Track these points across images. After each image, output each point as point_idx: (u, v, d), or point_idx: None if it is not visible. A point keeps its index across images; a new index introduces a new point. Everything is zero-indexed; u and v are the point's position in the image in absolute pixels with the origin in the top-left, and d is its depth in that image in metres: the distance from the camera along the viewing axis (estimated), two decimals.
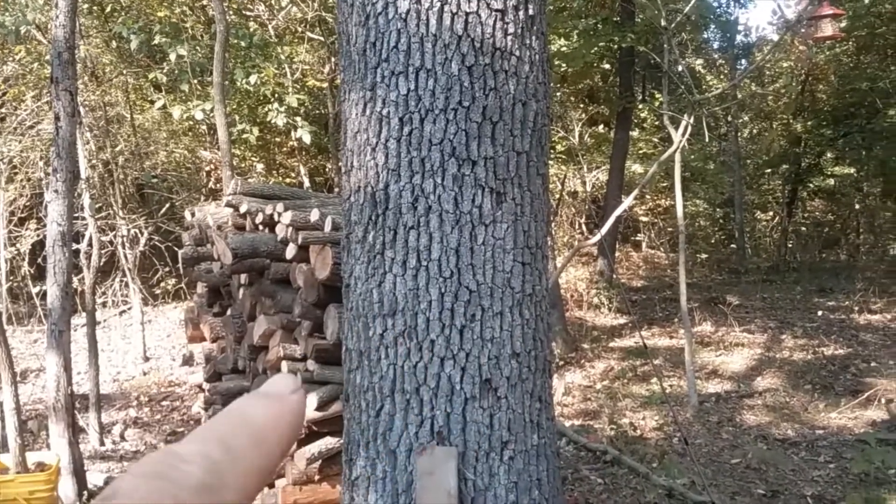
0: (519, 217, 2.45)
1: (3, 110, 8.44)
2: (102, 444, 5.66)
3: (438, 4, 2.32)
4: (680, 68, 8.17)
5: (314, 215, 3.36)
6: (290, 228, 3.38)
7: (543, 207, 2.56)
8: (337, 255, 3.12)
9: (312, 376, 3.25)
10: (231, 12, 9.23)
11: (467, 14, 2.33)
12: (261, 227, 3.72)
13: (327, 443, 3.27)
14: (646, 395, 7.26)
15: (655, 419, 6.55)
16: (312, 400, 3.19)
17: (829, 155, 17.24)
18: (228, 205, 3.92)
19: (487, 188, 2.38)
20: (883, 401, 6.75)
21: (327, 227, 3.29)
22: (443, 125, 2.35)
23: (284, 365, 3.34)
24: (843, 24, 6.64)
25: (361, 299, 2.49)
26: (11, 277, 8.80)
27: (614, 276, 12.42)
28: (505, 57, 2.39)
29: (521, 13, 2.42)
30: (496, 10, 2.36)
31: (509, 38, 2.39)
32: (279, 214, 3.46)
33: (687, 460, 5.53)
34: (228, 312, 4.07)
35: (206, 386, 4.20)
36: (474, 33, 2.34)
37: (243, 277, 3.85)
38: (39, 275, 8.80)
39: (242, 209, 3.79)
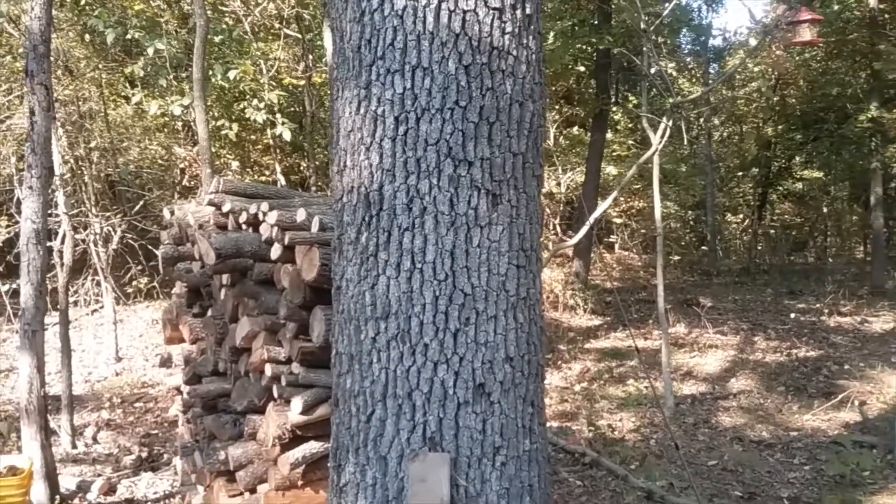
0: (514, 219, 2.42)
1: None
2: (75, 446, 5.54)
3: (436, 2, 2.28)
4: (654, 70, 8.21)
5: (300, 215, 3.30)
6: (276, 228, 3.32)
7: (538, 210, 2.53)
8: (324, 257, 3.06)
9: (297, 379, 3.19)
10: (208, 7, 9.10)
11: (465, 12, 2.30)
12: (244, 227, 3.65)
13: (312, 447, 3.21)
14: (623, 397, 7.28)
15: (633, 421, 6.57)
16: (297, 404, 3.13)
17: (798, 159, 17.51)
18: (211, 203, 3.84)
19: (483, 190, 2.35)
20: (856, 403, 6.84)
21: (314, 228, 3.23)
22: (439, 125, 2.31)
23: (268, 367, 3.28)
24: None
25: (353, 302, 2.44)
26: None
27: (613, 284, 12.48)
28: (502, 56, 2.35)
29: (518, 12, 2.39)
30: (494, 9, 2.33)
31: (507, 37, 2.36)
32: (264, 214, 3.40)
33: (665, 462, 5.55)
34: (209, 313, 4.00)
35: (184, 388, 4.11)
36: (472, 32, 2.31)
37: (225, 278, 3.78)
38: (8, 272, 8.60)
39: (225, 208, 3.72)
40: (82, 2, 7.29)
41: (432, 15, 2.29)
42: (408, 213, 2.33)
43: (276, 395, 3.26)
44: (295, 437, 3.20)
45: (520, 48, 2.40)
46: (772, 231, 19.18)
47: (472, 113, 2.32)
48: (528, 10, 2.42)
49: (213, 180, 4.08)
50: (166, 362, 4.41)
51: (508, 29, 2.36)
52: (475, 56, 2.32)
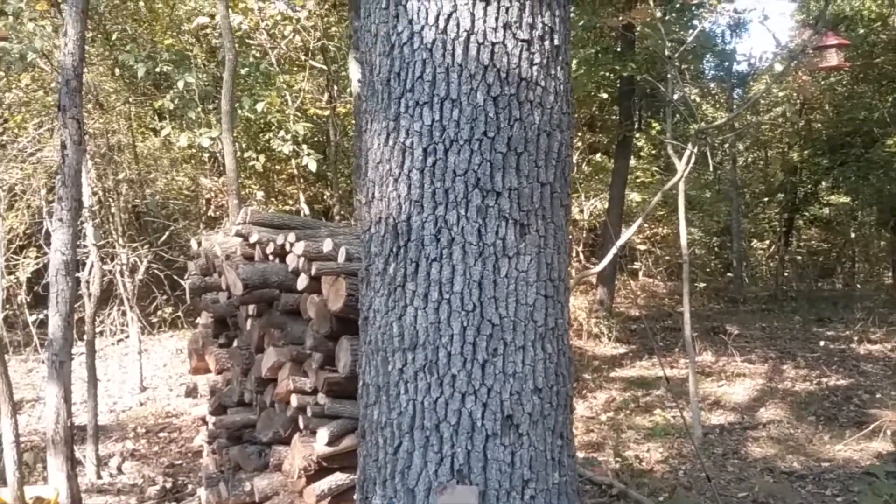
0: (542, 249, 2.41)
1: (5, 137, 8.40)
2: (100, 476, 5.55)
3: (465, 34, 2.30)
4: (677, 96, 8.20)
5: (327, 245, 3.31)
6: (303, 259, 3.33)
7: (566, 239, 2.52)
8: (351, 287, 3.07)
9: (323, 410, 3.18)
10: (235, 41, 9.24)
11: (493, 44, 2.31)
12: (271, 258, 3.67)
13: (338, 479, 3.19)
14: (650, 427, 7.18)
15: (660, 451, 6.47)
16: (323, 435, 3.12)
17: (824, 184, 17.33)
18: (238, 234, 3.87)
19: (511, 220, 2.34)
20: (888, 432, 6.69)
21: (341, 258, 3.24)
22: (467, 156, 2.31)
23: (294, 398, 3.27)
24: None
25: (381, 333, 2.44)
26: (8, 306, 8.70)
27: (640, 311, 12.39)
28: (530, 87, 2.36)
29: (546, 43, 2.39)
30: (522, 41, 2.34)
31: (535, 68, 2.36)
32: (291, 244, 3.41)
33: (694, 494, 5.45)
34: (235, 344, 4.01)
35: (210, 419, 4.11)
36: (500, 63, 2.32)
37: (251, 308, 3.79)
38: (36, 303, 8.72)
39: (253, 239, 3.74)
40: (113, 37, 7.43)
41: (461, 48, 2.30)
42: (436, 244, 2.33)
43: (301, 425, 3.25)
44: (321, 469, 3.18)
45: (548, 79, 2.40)
46: (799, 257, 18.96)
47: (501, 144, 2.33)
48: (556, 42, 2.43)
49: (240, 211, 4.11)
50: (192, 392, 4.41)
51: (537, 60, 2.37)
52: (503, 87, 2.32)
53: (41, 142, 7.77)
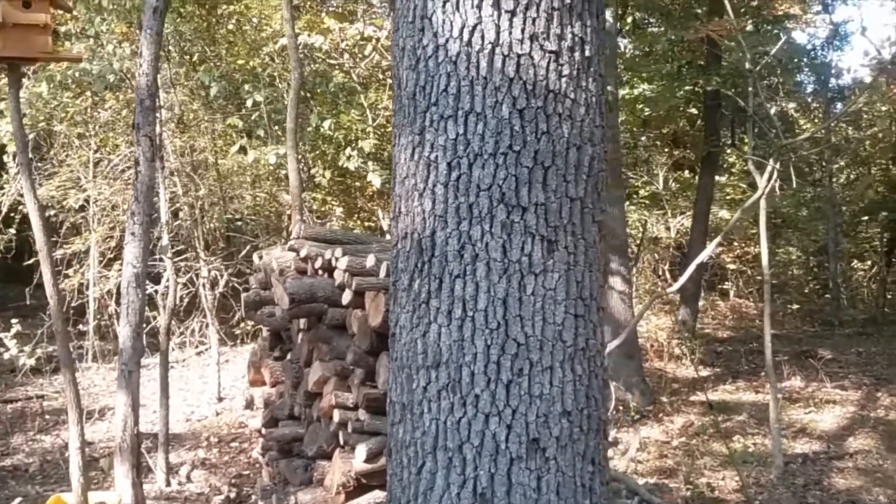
0: (572, 266, 2.32)
1: (98, 155, 8.83)
2: (168, 484, 5.70)
3: (490, 47, 2.25)
4: (772, 111, 7.88)
5: (370, 261, 3.31)
6: (347, 274, 3.33)
7: (598, 257, 2.42)
8: (389, 302, 3.04)
9: (363, 426, 3.17)
10: (318, 61, 9.47)
11: (519, 56, 2.25)
12: (320, 272, 3.70)
13: (376, 496, 3.16)
14: (726, 454, 6.86)
15: (736, 480, 6.17)
16: (361, 451, 3.10)
17: None
18: (291, 249, 3.92)
19: (538, 236, 2.27)
20: None
21: (382, 273, 3.23)
22: (492, 170, 2.26)
23: (336, 413, 3.27)
24: None
25: (406, 349, 2.40)
26: (99, 315, 9.11)
27: (728, 335, 11.98)
28: (559, 100, 2.29)
29: (576, 54, 2.32)
30: (550, 52, 2.27)
31: (563, 80, 2.29)
32: (336, 259, 3.43)
33: None
34: (288, 357, 4.05)
35: (263, 431, 4.17)
36: (526, 76, 2.26)
37: (302, 322, 3.83)
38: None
39: (303, 253, 3.78)
40: (194, 58, 7.72)
41: (486, 60, 2.26)
42: (459, 260, 2.28)
43: (342, 441, 3.25)
44: (360, 486, 3.17)
45: (578, 91, 2.33)
46: None
47: (527, 157, 2.26)
48: (587, 53, 2.35)
49: (296, 226, 4.17)
50: (250, 404, 4.49)
51: (566, 72, 2.30)
52: (530, 100, 2.26)
53: (131, 159, 8.14)
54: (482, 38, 2.26)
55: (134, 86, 7.07)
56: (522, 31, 2.26)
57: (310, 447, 3.52)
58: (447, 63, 2.30)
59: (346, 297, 3.36)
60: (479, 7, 2.26)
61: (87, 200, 8.70)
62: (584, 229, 2.35)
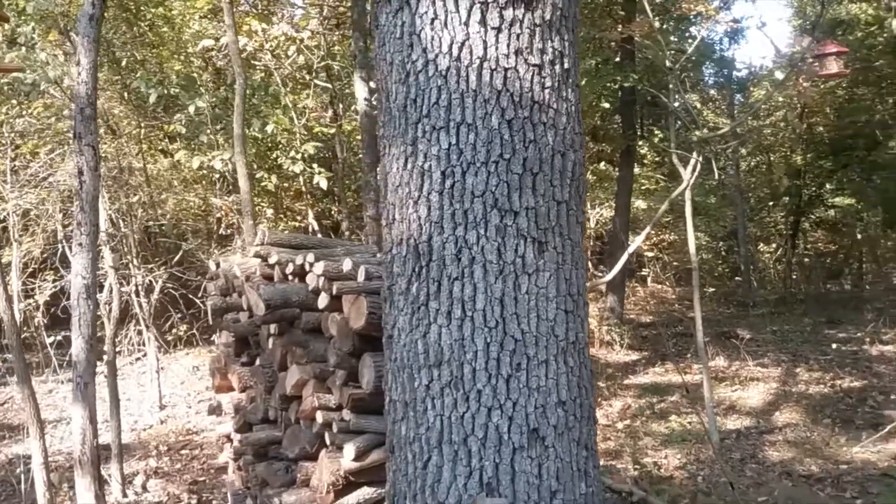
0: (561, 265, 2.48)
1: (17, 163, 8.52)
2: (125, 495, 5.63)
3: (478, 61, 2.38)
4: (677, 104, 8.26)
5: (347, 265, 3.39)
6: (323, 279, 3.41)
7: (583, 255, 2.59)
8: (371, 305, 3.14)
9: (349, 426, 3.25)
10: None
11: (506, 70, 2.39)
12: (291, 278, 3.75)
13: (365, 493, 3.26)
14: (666, 433, 7.22)
15: (678, 458, 6.51)
16: (350, 450, 3.19)
17: (829, 186, 17.38)
18: (257, 255, 3.95)
19: (530, 238, 2.42)
20: None
21: (360, 277, 3.32)
22: (484, 177, 2.39)
23: (319, 414, 3.35)
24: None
25: (406, 350, 2.51)
26: (26, 328, 8.79)
27: (652, 319, 12.44)
28: (543, 110, 2.44)
29: (557, 67, 2.48)
30: (534, 65, 2.42)
31: (547, 91, 2.45)
32: (311, 265, 3.49)
33: (715, 499, 5.49)
34: (257, 362, 4.08)
35: (235, 436, 4.19)
36: (513, 88, 2.40)
37: (273, 327, 3.87)
38: (53, 324, 8.81)
39: (272, 260, 3.83)
40: (123, 63, 7.56)
41: (475, 74, 2.39)
42: (457, 263, 2.41)
43: (328, 441, 3.33)
44: (348, 484, 3.25)
45: (560, 101, 2.49)
46: (806, 260, 18.98)
47: (516, 165, 2.41)
48: (566, 65, 2.51)
49: (255, 231, 4.20)
50: (216, 410, 4.49)
51: (548, 84, 2.45)
52: (517, 111, 2.41)
53: (52, 166, 7.89)
54: (471, 53, 2.39)
55: (61, 91, 6.90)
56: (508, 46, 2.40)
57: (290, 449, 3.58)
58: (437, 77, 2.42)
59: (323, 301, 3.43)
60: (467, 24, 2.39)
61: (6, 210, 8.40)
62: (570, 230, 2.52)
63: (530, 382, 2.42)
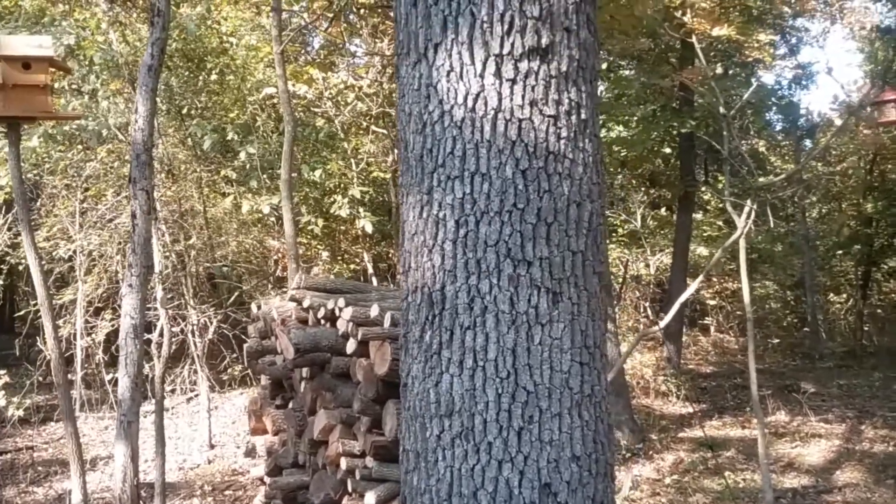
0: (576, 316, 2.45)
1: (85, 205, 8.89)
2: None
3: (493, 112, 2.40)
4: (742, 152, 8.12)
5: (374, 311, 3.41)
6: (351, 324, 3.43)
7: (600, 306, 2.55)
8: (396, 352, 3.15)
9: (371, 474, 3.24)
10: (300, 109, 9.65)
11: (521, 120, 2.40)
12: (322, 322, 3.79)
13: None
14: (718, 490, 6.96)
15: None
16: (370, 499, 3.17)
17: None
18: (292, 299, 4.01)
19: (543, 288, 2.39)
20: None
21: (386, 323, 3.33)
22: (498, 227, 2.39)
23: (343, 461, 3.35)
24: None
25: (419, 399, 2.50)
26: (86, 365, 9.08)
27: (712, 370, 12.12)
28: (559, 160, 2.43)
29: (573, 118, 2.47)
30: (549, 116, 2.42)
31: (562, 141, 2.44)
32: (340, 310, 3.53)
33: None
34: (290, 405, 4.12)
35: (266, 480, 4.22)
36: (528, 138, 2.40)
37: (305, 371, 3.90)
38: (112, 363, 9.07)
39: (305, 304, 3.88)
40: (184, 111, 7.88)
41: (489, 125, 2.40)
42: (469, 312, 2.40)
43: (350, 488, 3.32)
44: None
45: (576, 151, 2.47)
46: (879, 311, 18.24)
47: (530, 214, 2.39)
48: (583, 116, 2.50)
49: (296, 276, 4.26)
50: (251, 452, 4.55)
51: (564, 134, 2.45)
52: (532, 161, 2.40)
53: (117, 209, 8.21)
54: (485, 104, 2.41)
55: (124, 137, 7.21)
56: (523, 97, 2.41)
57: (316, 495, 3.58)
58: (453, 127, 2.44)
59: (351, 346, 3.45)
60: (482, 76, 2.41)
61: (73, 250, 8.75)
62: (586, 281, 2.48)
63: (543, 436, 2.37)
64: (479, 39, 2.40)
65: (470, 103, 2.42)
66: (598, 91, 2.54)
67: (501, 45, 2.39)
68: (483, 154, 2.41)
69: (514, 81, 2.40)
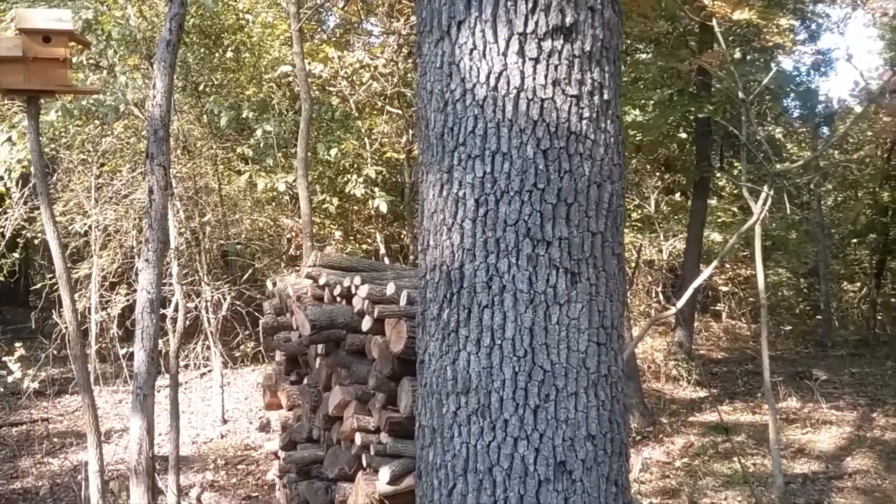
0: (594, 297, 2.46)
1: (101, 181, 8.93)
2: None
3: (515, 91, 2.39)
4: (759, 138, 8.07)
5: (390, 289, 3.43)
6: (367, 301, 3.46)
7: (619, 287, 2.55)
8: (412, 329, 3.17)
9: (385, 449, 3.27)
10: (315, 87, 9.64)
11: (543, 100, 2.40)
12: (338, 299, 3.81)
13: None
14: (728, 474, 6.98)
15: (738, 500, 6.28)
16: (385, 473, 3.20)
17: None
18: (308, 276, 4.04)
19: (562, 268, 2.40)
20: None
21: (402, 301, 3.35)
22: (518, 206, 2.39)
23: (358, 436, 3.38)
24: None
25: (435, 376, 2.52)
26: (101, 339, 9.16)
27: (723, 355, 12.12)
28: (580, 140, 2.43)
29: (596, 98, 2.47)
30: (571, 96, 2.42)
31: (584, 122, 2.44)
32: (356, 287, 3.55)
33: None
34: (305, 381, 4.16)
35: (280, 454, 4.26)
36: (549, 118, 2.40)
37: (320, 347, 3.94)
38: (127, 337, 9.15)
39: (321, 281, 3.90)
40: (201, 87, 7.88)
41: (511, 104, 2.40)
42: (487, 291, 2.41)
43: (364, 463, 3.35)
44: None
45: (598, 132, 2.47)
46: (893, 300, 18.14)
47: (550, 195, 2.40)
48: (605, 96, 2.50)
49: (312, 253, 4.28)
50: (265, 427, 4.58)
51: (586, 115, 2.44)
52: (553, 141, 2.40)
53: (133, 185, 8.25)
54: (508, 83, 2.41)
55: (141, 113, 7.23)
56: (545, 77, 2.41)
57: (330, 469, 3.62)
58: (474, 106, 2.44)
59: (367, 323, 3.48)
60: (505, 55, 2.41)
61: (89, 225, 8.80)
62: (604, 262, 2.49)
63: (559, 414, 2.39)
64: (502, 17, 2.39)
65: (492, 82, 2.41)
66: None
67: (525, 24, 2.38)
68: (504, 133, 2.41)
69: (536, 60, 2.40)
